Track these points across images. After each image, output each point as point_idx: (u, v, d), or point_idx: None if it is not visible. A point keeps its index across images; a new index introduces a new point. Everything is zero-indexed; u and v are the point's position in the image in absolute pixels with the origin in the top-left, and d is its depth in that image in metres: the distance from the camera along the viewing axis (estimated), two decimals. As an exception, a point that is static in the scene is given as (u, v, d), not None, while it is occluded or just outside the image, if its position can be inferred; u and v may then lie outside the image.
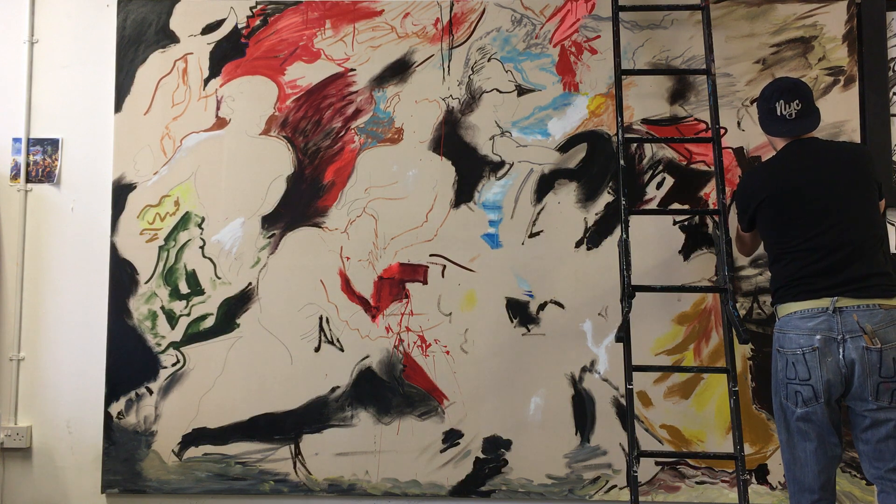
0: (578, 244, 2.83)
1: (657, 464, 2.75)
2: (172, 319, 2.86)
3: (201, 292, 2.87)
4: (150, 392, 2.84)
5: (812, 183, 2.23)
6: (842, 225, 2.18)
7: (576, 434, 2.77)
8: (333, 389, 2.82)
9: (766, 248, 2.39)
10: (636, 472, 2.35)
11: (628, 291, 2.45)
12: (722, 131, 2.80)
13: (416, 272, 2.85)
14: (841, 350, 2.10)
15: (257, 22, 2.95)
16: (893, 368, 2.08)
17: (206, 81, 2.93)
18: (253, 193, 2.89)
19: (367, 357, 2.83)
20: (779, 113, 2.30)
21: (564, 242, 2.83)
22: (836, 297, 2.13)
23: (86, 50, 2.99)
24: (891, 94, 2.83)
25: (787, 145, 2.32)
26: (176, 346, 2.86)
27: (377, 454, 2.80)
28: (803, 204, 2.23)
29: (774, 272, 2.32)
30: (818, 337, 2.13)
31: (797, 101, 2.28)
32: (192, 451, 2.82)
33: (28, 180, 2.96)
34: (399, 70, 2.91)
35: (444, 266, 2.84)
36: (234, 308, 2.86)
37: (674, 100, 2.85)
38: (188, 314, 2.86)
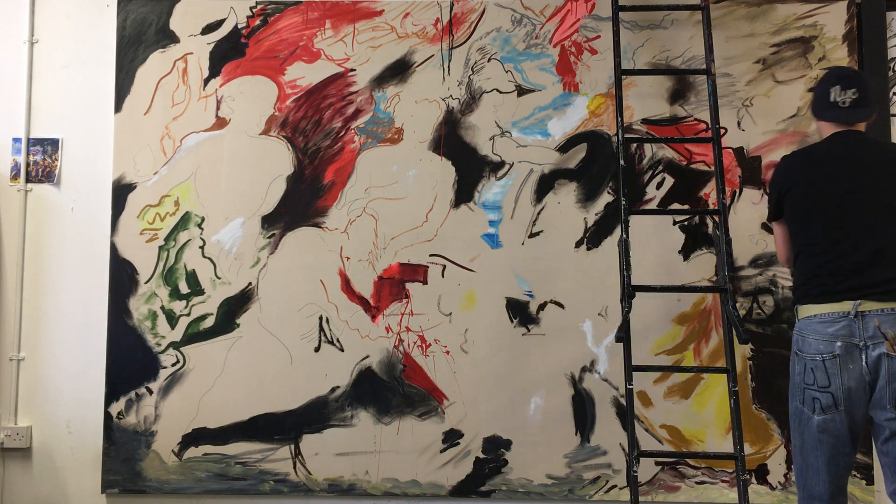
0: (578, 244, 2.83)
1: (657, 464, 2.75)
2: (172, 319, 2.86)
3: (201, 292, 2.87)
4: (150, 392, 2.84)
5: (846, 175, 2.13)
6: (868, 223, 2.08)
7: (576, 434, 2.77)
8: (333, 389, 2.82)
9: (790, 240, 2.28)
10: (636, 472, 2.35)
11: (628, 291, 2.45)
12: (722, 131, 2.80)
13: (416, 272, 2.85)
14: (864, 356, 2.01)
15: (257, 22, 2.95)
16: None
17: (206, 81, 2.93)
18: (253, 193, 2.89)
19: (367, 357, 2.83)
20: (832, 98, 2.20)
21: (564, 242, 2.83)
22: (858, 301, 2.03)
23: (86, 50, 2.99)
24: (891, 94, 2.83)
25: (832, 134, 2.22)
26: (176, 346, 2.86)
27: (377, 454, 2.80)
28: (832, 195, 2.13)
29: (796, 268, 2.23)
30: (839, 343, 2.03)
31: (854, 90, 2.18)
32: (192, 451, 2.82)
33: (28, 180, 2.96)
34: (399, 70, 2.91)
35: (444, 266, 2.84)
36: (234, 308, 2.86)
37: (674, 100, 2.85)
38: (188, 314, 2.86)
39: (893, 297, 2.02)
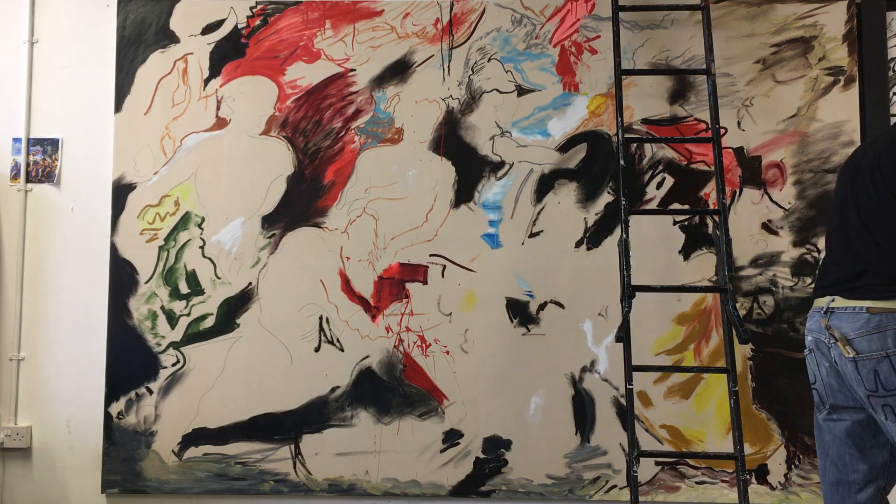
0: (578, 244, 2.83)
1: (657, 464, 2.75)
2: (172, 319, 2.86)
3: (201, 292, 2.87)
4: (150, 392, 2.84)
5: (856, 162, 1.97)
6: (853, 215, 1.92)
7: (576, 434, 2.77)
8: (333, 389, 2.82)
9: None
10: (636, 472, 2.35)
11: (628, 291, 2.45)
12: (722, 131, 2.80)
13: (416, 272, 2.85)
14: (832, 354, 1.90)
15: (257, 22, 2.95)
16: (875, 382, 1.79)
17: (207, 81, 2.93)
18: (253, 193, 2.89)
19: (367, 357, 2.83)
20: None
21: (564, 242, 2.83)
22: (832, 297, 1.91)
23: (86, 50, 2.99)
24: (891, 94, 2.83)
25: None
26: (176, 346, 2.86)
27: (377, 454, 2.80)
28: (843, 184, 2.00)
29: None
30: (810, 338, 1.98)
31: None
32: (192, 451, 2.82)
33: (28, 180, 2.96)
34: (399, 70, 2.91)
35: (444, 266, 2.84)
36: (234, 308, 2.86)
37: (674, 100, 2.85)
38: (188, 314, 2.86)
39: (860, 295, 1.85)
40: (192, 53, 2.94)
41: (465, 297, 2.83)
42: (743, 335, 2.27)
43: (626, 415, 2.57)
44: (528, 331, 2.81)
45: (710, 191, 2.81)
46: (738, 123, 2.83)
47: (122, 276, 2.88)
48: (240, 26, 2.95)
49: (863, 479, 1.91)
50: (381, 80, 2.91)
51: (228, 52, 2.94)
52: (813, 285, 2.74)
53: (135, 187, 2.91)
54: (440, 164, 2.87)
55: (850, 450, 1.93)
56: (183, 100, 2.93)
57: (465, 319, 2.82)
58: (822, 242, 2.77)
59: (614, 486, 2.75)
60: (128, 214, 2.90)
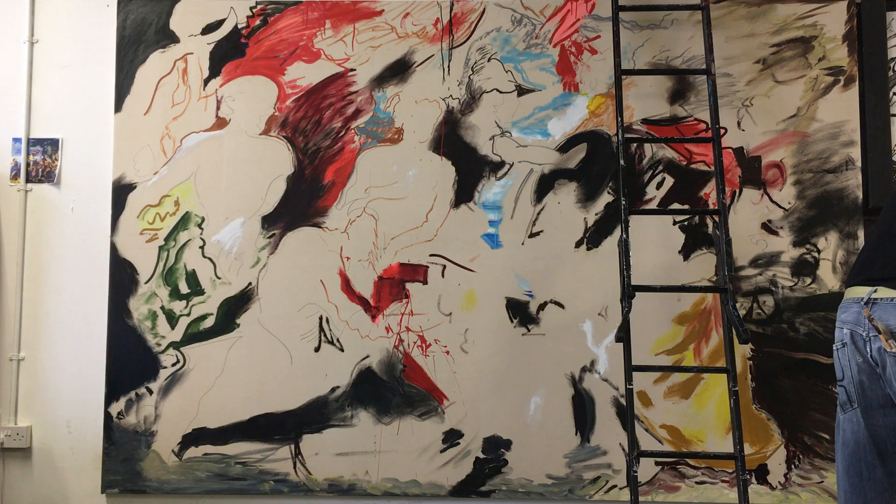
0: (578, 244, 2.83)
1: (657, 464, 2.75)
2: (172, 319, 2.86)
3: (201, 292, 2.87)
4: (150, 392, 2.84)
5: None
6: None
7: (576, 434, 2.77)
8: (333, 389, 2.82)
9: None
10: (636, 472, 2.34)
11: (628, 291, 2.45)
12: (722, 131, 2.80)
13: (416, 272, 2.85)
14: (868, 348, 1.81)
15: (257, 22, 2.95)
16: None
17: (206, 81, 2.93)
18: (253, 193, 2.89)
19: (367, 357, 2.83)
20: None
21: (564, 242, 2.83)
22: (874, 288, 1.81)
23: (86, 50, 2.99)
24: (891, 94, 2.83)
25: None
26: (176, 346, 2.86)
27: (377, 454, 2.80)
28: None
29: None
30: (845, 331, 1.87)
31: None
32: (192, 451, 2.82)
33: (28, 180, 2.96)
34: (399, 70, 2.91)
35: (444, 266, 2.84)
36: (234, 308, 2.86)
37: (674, 100, 2.85)
38: (188, 314, 2.87)
39: None
40: (192, 53, 2.94)
41: (465, 297, 2.83)
42: (743, 335, 2.27)
43: (626, 415, 2.57)
44: (528, 331, 2.81)
45: (710, 191, 2.82)
46: (738, 123, 2.83)
47: (122, 276, 2.88)
48: (240, 26, 2.95)
49: (879, 486, 1.87)
50: (381, 79, 2.91)
51: (228, 52, 2.94)
52: (813, 285, 2.75)
53: (135, 187, 2.91)
54: (440, 163, 2.87)
55: (869, 455, 1.87)
56: (183, 100, 2.93)
57: (465, 319, 2.82)
58: (821, 242, 2.77)
59: (614, 486, 2.75)
60: (128, 214, 2.90)
